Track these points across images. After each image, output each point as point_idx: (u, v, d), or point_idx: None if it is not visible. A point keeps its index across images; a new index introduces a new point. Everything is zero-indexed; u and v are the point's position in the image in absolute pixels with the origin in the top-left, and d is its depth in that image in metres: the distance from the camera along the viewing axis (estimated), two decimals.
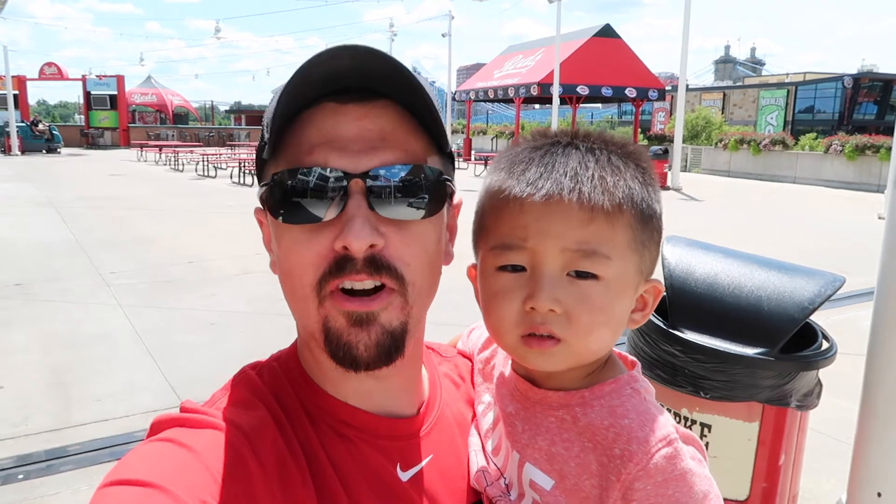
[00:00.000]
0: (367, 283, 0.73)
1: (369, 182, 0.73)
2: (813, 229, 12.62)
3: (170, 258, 9.44)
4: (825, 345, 1.94)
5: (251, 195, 17.09)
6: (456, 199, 0.86)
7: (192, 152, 27.21)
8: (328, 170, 0.73)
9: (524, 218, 0.74)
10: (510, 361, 0.88)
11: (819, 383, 1.95)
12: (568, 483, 0.75)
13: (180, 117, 50.04)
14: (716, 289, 1.99)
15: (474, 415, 0.95)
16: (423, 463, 0.81)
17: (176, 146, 30.58)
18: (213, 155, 24.82)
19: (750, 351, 1.87)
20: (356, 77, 0.73)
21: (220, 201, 16.02)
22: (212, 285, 8.04)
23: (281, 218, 0.75)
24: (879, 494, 1.37)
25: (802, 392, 1.92)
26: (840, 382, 2.49)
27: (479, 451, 0.88)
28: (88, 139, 38.83)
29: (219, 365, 5.42)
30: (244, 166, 20.55)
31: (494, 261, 0.78)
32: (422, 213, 0.76)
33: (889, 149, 19.26)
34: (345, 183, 0.73)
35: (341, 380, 0.80)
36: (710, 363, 1.91)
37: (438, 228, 0.80)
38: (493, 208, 0.78)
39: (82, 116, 43.10)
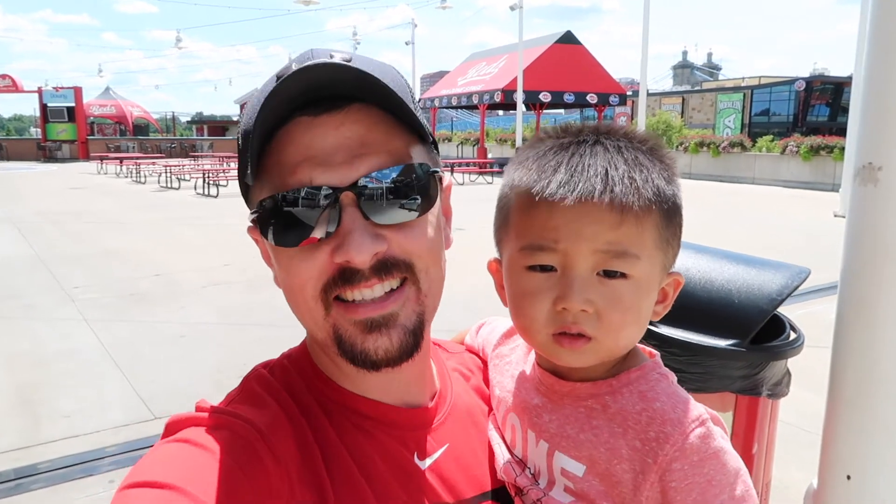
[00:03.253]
0: (378, 290, 0.73)
1: (359, 192, 0.72)
2: (775, 228, 12.90)
3: (136, 271, 9.26)
4: (793, 335, 2.02)
5: (216, 206, 16.86)
6: (445, 183, 0.86)
7: (153, 164, 26.77)
8: (315, 187, 0.71)
9: (555, 220, 0.73)
10: (531, 357, 0.89)
11: (788, 372, 2.02)
12: (599, 468, 0.76)
13: (141, 129, 49.18)
14: (688, 283, 2.04)
15: (488, 406, 0.95)
16: (440, 451, 0.82)
17: (137, 158, 30.06)
18: (175, 166, 24.44)
19: (722, 343, 1.93)
20: (321, 89, 0.72)
21: (185, 213, 15.75)
22: (180, 298, 7.91)
23: (277, 242, 0.74)
24: (849, 477, 1.41)
25: (773, 381, 1.98)
26: (808, 375, 2.57)
27: (501, 443, 0.88)
28: (46, 152, 37.93)
29: (190, 377, 5.35)
30: (208, 177, 20.24)
31: (524, 260, 0.77)
32: (417, 211, 0.75)
33: (842, 149, 19.79)
34: (335, 198, 0.71)
35: (358, 376, 0.80)
36: (685, 356, 1.96)
37: (436, 218, 0.81)
38: (521, 207, 0.77)
39: (39, 129, 42.13)
